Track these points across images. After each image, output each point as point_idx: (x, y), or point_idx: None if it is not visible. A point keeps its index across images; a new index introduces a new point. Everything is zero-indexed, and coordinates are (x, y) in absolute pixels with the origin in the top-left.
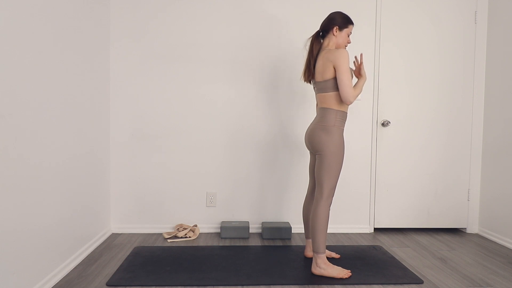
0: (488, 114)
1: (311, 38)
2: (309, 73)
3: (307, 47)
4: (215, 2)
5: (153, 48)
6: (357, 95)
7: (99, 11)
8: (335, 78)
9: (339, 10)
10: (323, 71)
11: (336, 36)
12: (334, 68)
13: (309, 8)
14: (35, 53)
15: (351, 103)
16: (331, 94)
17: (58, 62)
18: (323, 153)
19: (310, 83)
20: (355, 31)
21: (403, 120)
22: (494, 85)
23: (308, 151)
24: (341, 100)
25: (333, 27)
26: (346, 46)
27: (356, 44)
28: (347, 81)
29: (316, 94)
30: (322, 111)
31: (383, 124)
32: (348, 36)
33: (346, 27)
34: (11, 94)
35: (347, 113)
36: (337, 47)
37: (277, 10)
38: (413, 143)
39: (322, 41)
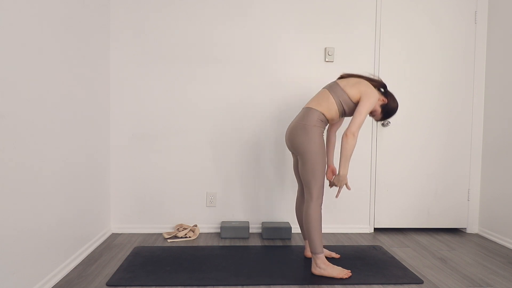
0: (488, 114)
1: (381, 81)
2: (347, 76)
3: (372, 76)
4: (215, 3)
5: (153, 48)
6: (348, 148)
7: (99, 12)
8: (348, 97)
9: (397, 108)
10: (352, 85)
11: (378, 101)
12: (360, 97)
13: (309, 8)
14: (35, 54)
15: (345, 136)
16: (331, 99)
17: (58, 63)
18: (305, 154)
19: (340, 78)
20: (355, 30)
21: (403, 120)
22: (494, 85)
23: (290, 153)
24: (332, 109)
25: (385, 99)
26: (368, 112)
27: (356, 44)
28: (362, 118)
29: (321, 89)
30: (305, 110)
31: (383, 124)
32: (372, 112)
33: (382, 112)
34: (11, 95)
35: (328, 121)
36: (368, 97)
37: (277, 9)
38: (413, 143)
39: (378, 89)
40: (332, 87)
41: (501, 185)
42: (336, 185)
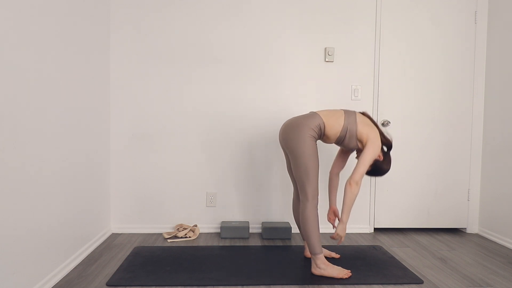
0: (488, 114)
1: (391, 142)
2: (368, 117)
3: (386, 134)
4: (215, 3)
5: (153, 48)
6: (352, 197)
7: (99, 11)
8: (356, 130)
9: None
10: (365, 124)
11: (379, 155)
12: (365, 140)
13: (309, 7)
14: (35, 55)
15: (349, 185)
16: (341, 120)
17: (58, 62)
18: (296, 154)
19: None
20: (355, 30)
21: (403, 120)
22: (494, 85)
23: (284, 154)
24: (334, 128)
25: (382, 157)
26: (372, 161)
27: (356, 44)
28: (366, 167)
29: (339, 109)
30: (311, 113)
31: (383, 124)
32: (372, 160)
33: (372, 165)
34: (10, 94)
35: (323, 135)
36: (373, 145)
37: (277, 9)
38: (413, 143)
39: (382, 146)
40: (348, 113)
41: (501, 185)
42: (336, 238)
